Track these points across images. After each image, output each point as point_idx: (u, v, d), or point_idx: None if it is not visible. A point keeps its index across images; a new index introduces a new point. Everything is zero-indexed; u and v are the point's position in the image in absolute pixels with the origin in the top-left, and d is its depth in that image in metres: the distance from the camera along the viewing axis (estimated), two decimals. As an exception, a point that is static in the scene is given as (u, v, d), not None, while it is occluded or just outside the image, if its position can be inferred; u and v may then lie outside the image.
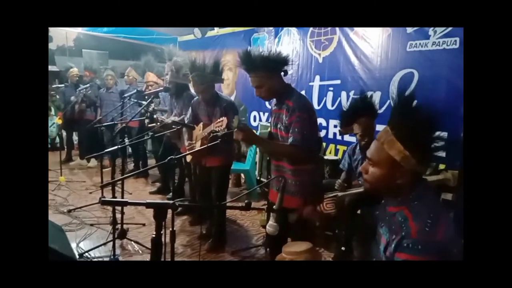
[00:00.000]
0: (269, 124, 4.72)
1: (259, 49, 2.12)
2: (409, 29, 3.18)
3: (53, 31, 6.52)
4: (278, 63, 1.98)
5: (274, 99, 2.12)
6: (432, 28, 3.00)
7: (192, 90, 3.26)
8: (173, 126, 3.16)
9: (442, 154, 2.73)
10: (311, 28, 4.20)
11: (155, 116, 3.56)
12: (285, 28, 4.53)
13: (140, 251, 2.87)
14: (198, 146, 2.80)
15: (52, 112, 6.95)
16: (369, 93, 3.07)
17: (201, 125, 2.88)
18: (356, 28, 3.67)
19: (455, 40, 2.87)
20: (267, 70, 1.95)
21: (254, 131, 2.23)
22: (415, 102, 1.18)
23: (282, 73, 2.02)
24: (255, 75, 1.98)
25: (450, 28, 2.89)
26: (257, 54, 1.96)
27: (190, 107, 3.09)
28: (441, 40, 2.96)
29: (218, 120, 2.39)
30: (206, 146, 2.32)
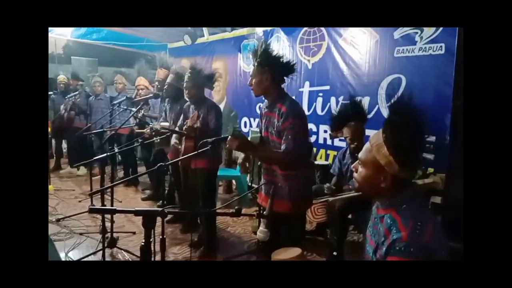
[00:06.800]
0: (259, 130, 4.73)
1: (271, 45, 2.21)
2: (396, 35, 3.23)
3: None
4: (271, 61, 2.02)
5: (266, 101, 2.14)
6: (418, 34, 3.06)
7: None
8: (162, 131, 3.17)
9: (430, 157, 2.81)
10: (300, 35, 4.24)
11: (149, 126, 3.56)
12: (274, 35, 4.57)
13: (130, 260, 2.83)
14: (182, 148, 2.85)
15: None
16: (358, 98, 3.12)
17: None
18: (344, 34, 3.72)
19: (441, 46, 2.92)
20: (260, 63, 2.02)
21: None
22: (407, 111, 1.17)
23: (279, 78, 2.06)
24: (253, 63, 2.08)
25: (436, 34, 2.95)
26: (264, 47, 2.05)
27: (183, 112, 3.19)
28: (427, 46, 3.02)
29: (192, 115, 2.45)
30: (196, 152, 2.31)
